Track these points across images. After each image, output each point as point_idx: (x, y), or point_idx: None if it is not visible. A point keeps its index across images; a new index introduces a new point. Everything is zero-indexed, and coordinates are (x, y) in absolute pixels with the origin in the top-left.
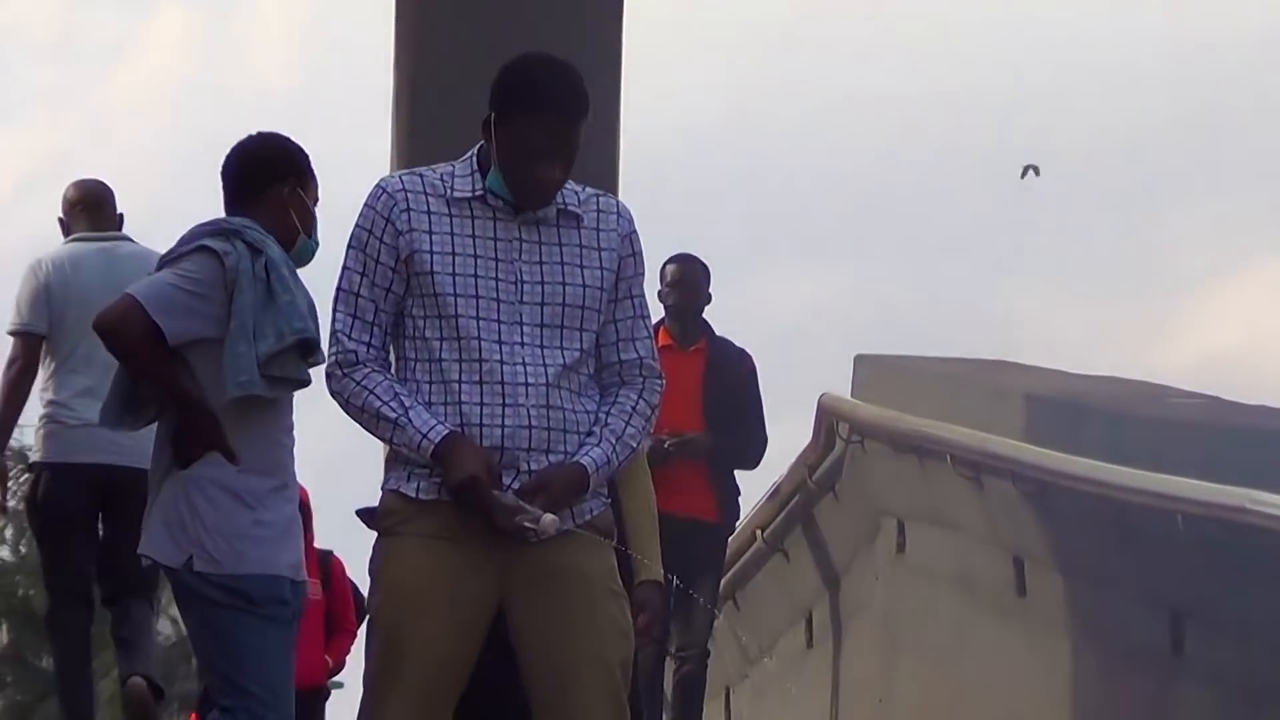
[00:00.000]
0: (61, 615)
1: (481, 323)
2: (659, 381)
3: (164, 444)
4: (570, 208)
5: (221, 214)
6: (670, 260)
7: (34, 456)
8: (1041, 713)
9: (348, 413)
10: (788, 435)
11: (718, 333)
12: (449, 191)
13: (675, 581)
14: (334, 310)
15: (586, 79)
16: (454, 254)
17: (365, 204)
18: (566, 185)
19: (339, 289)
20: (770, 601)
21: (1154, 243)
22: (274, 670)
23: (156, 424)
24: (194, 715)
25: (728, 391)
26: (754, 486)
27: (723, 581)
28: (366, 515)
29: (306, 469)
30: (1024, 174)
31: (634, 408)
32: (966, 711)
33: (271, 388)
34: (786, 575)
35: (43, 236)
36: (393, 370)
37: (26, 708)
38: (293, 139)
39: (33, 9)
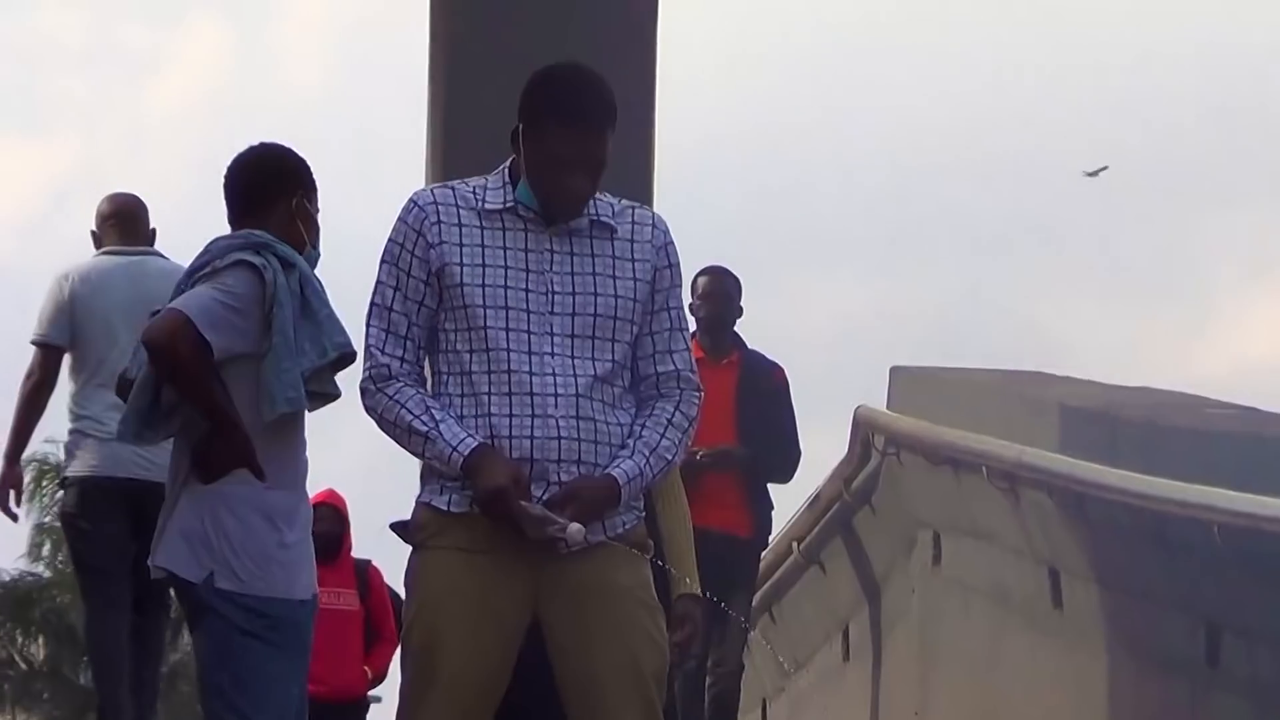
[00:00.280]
0: (99, 626)
1: (511, 334)
2: (697, 394)
3: (182, 457)
4: (604, 218)
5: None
6: (701, 272)
7: (66, 471)
8: None
9: (381, 428)
10: (823, 447)
11: (752, 345)
12: (480, 204)
13: (710, 597)
14: (367, 325)
15: (621, 92)
16: (484, 265)
17: (398, 218)
18: (601, 197)
19: (372, 303)
20: (807, 614)
21: (1188, 252)
22: (280, 699)
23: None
24: None
25: (761, 404)
26: (788, 498)
27: (759, 594)
28: (400, 528)
29: (343, 478)
30: (1095, 173)
31: (670, 419)
32: None
33: (311, 403)
34: (823, 588)
35: (75, 248)
36: (429, 385)
37: None
38: (294, 150)
39: (64, 22)
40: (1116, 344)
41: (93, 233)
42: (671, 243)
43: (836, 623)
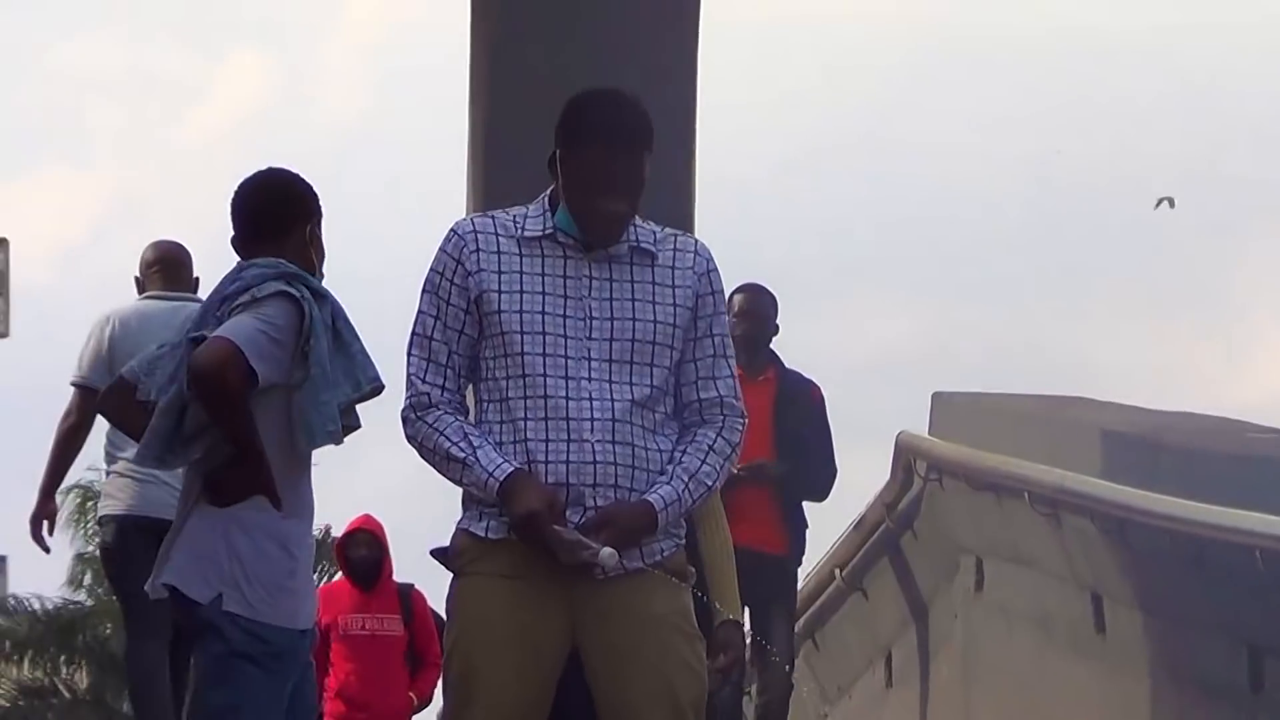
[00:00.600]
0: (138, 655)
1: (548, 359)
2: (740, 420)
3: (194, 479)
4: (644, 245)
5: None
6: (737, 290)
7: (103, 511)
8: None
9: (422, 456)
10: (864, 473)
11: (793, 369)
12: (520, 231)
13: (745, 615)
14: (408, 354)
15: (663, 115)
16: (522, 292)
17: (439, 247)
18: (643, 224)
19: (413, 333)
20: (850, 640)
21: (1229, 279)
22: None
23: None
24: None
25: (797, 421)
26: (826, 523)
27: (801, 620)
28: (440, 554)
29: (383, 503)
30: (1158, 205)
31: (712, 446)
32: None
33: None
34: (865, 614)
35: (114, 278)
36: (471, 414)
37: None
38: (301, 176)
39: (104, 53)
40: (1158, 370)
41: (136, 279)
42: (715, 270)
43: (879, 649)
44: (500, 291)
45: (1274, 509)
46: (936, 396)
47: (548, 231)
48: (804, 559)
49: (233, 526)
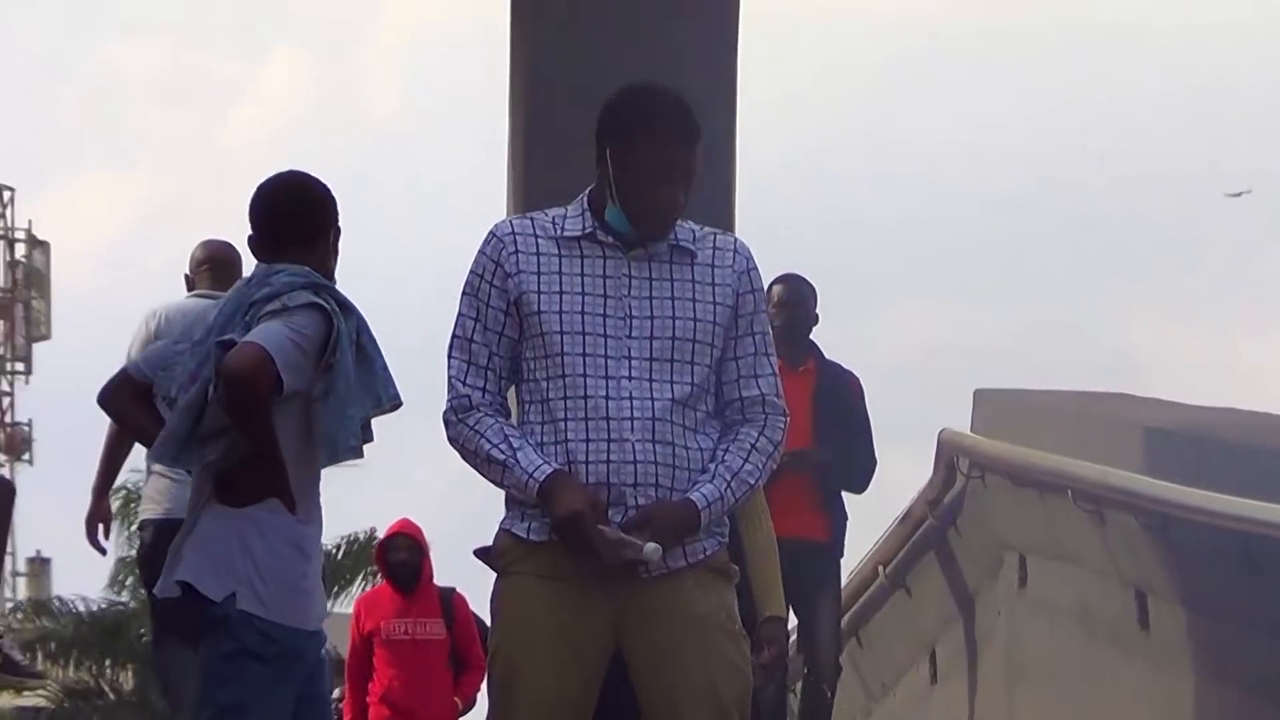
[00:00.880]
0: (165, 656)
1: (587, 359)
2: (782, 419)
3: (205, 480)
4: (684, 243)
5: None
6: (776, 280)
7: (141, 515)
8: None
9: (464, 458)
10: (905, 470)
11: (833, 360)
12: (560, 231)
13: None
14: (449, 356)
15: (702, 114)
16: (561, 293)
17: (478, 250)
18: (682, 223)
19: (453, 335)
20: (893, 637)
21: (1272, 273)
22: None
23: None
24: None
25: (837, 411)
26: (866, 519)
27: (846, 617)
28: (484, 554)
29: (423, 506)
30: (1238, 195)
31: (754, 444)
32: None
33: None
34: (909, 611)
35: (159, 279)
36: (513, 415)
37: None
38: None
39: (145, 56)
40: (1202, 366)
41: (186, 276)
42: (755, 268)
43: (923, 645)
44: (540, 292)
45: None
46: (979, 394)
47: (587, 231)
48: (845, 552)
49: (247, 526)
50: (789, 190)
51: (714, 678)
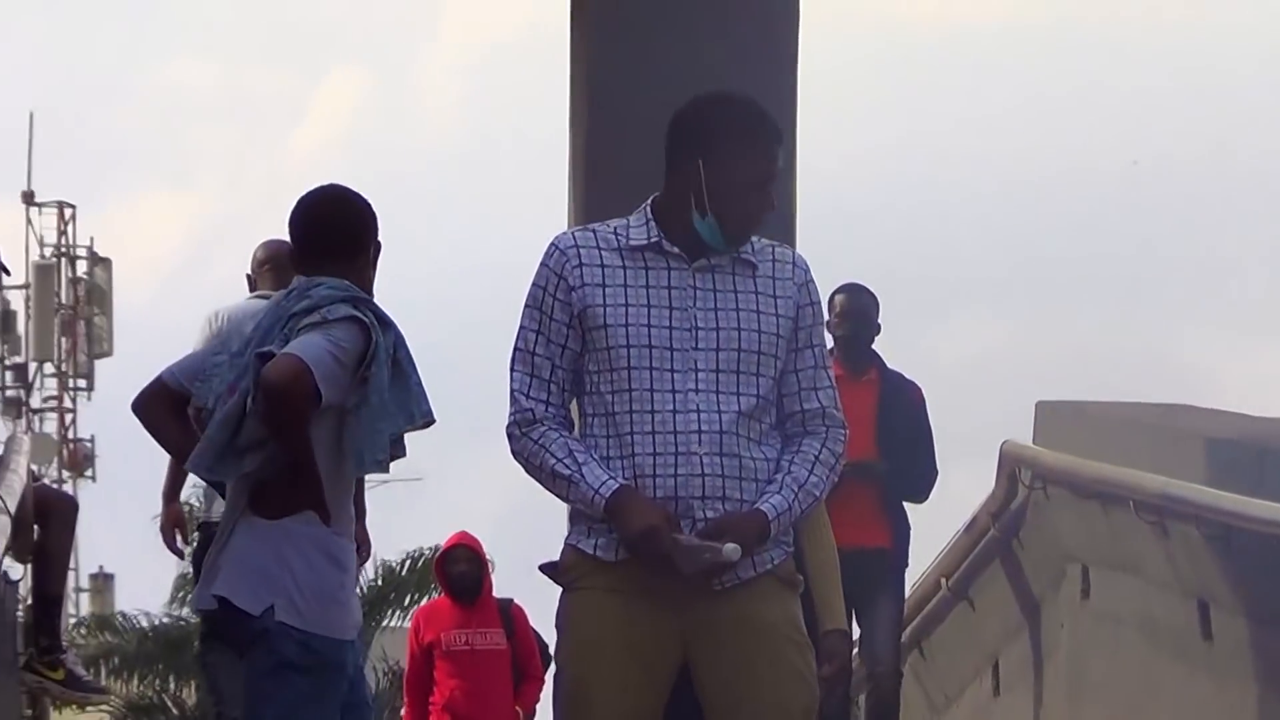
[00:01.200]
0: (210, 657)
1: (654, 373)
2: (843, 431)
3: (240, 492)
4: (744, 255)
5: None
6: (839, 290)
7: (200, 519)
8: None
9: (527, 472)
10: (968, 481)
11: (895, 369)
12: (624, 242)
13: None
14: (511, 370)
15: None
16: (627, 305)
17: (540, 262)
18: None
19: (515, 348)
20: (956, 649)
21: None
22: None
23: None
24: None
25: (900, 421)
26: (927, 530)
27: (908, 629)
28: (549, 569)
29: (482, 520)
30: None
31: (818, 456)
32: None
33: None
34: (972, 623)
35: (217, 298)
36: (576, 427)
37: None
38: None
39: (202, 73)
40: (1263, 376)
41: (248, 276)
42: (813, 281)
43: (986, 657)
44: (605, 305)
45: None
46: (1041, 405)
47: (652, 241)
48: (910, 562)
49: (282, 538)
50: (848, 197)
51: (782, 688)
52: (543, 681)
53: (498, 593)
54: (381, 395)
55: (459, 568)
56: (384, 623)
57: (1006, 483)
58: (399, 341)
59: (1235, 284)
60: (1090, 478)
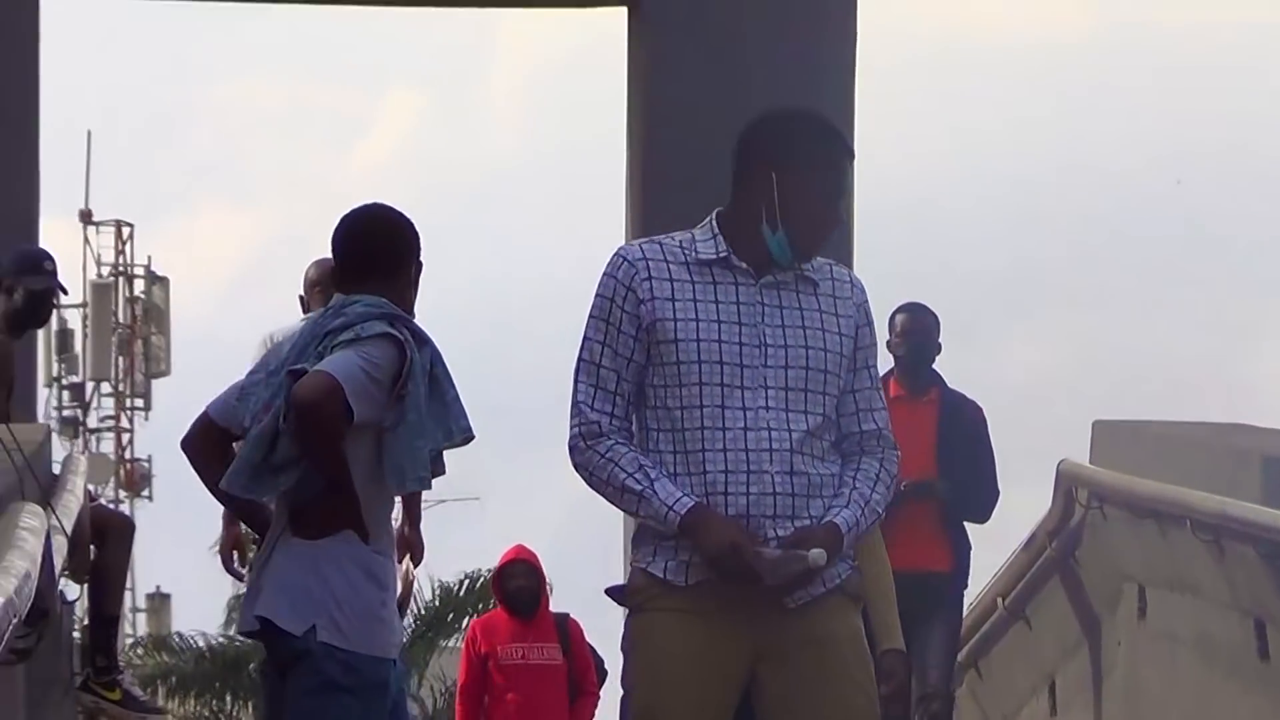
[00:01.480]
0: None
1: (725, 389)
2: (896, 453)
3: (282, 509)
4: (806, 272)
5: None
6: (900, 310)
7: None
8: None
9: (592, 485)
10: (1024, 500)
11: (955, 389)
12: (692, 255)
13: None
14: (575, 381)
15: None
16: (697, 320)
17: (605, 273)
18: None
19: (580, 359)
20: (1013, 668)
21: None
22: None
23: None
24: None
25: (961, 441)
26: (984, 549)
27: (965, 649)
28: (617, 593)
29: (540, 536)
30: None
31: (878, 475)
32: None
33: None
34: (1029, 642)
35: (275, 317)
36: (635, 440)
37: None
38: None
39: (263, 92)
40: None
41: (300, 297)
42: (868, 302)
43: (1043, 676)
44: (675, 320)
45: None
46: (1097, 424)
47: (721, 255)
48: (970, 583)
49: (322, 558)
50: (898, 211)
51: (848, 703)
52: (598, 697)
53: (554, 607)
54: (419, 412)
55: (516, 582)
56: (443, 643)
57: (1063, 502)
58: (436, 358)
59: None
60: (1147, 497)
